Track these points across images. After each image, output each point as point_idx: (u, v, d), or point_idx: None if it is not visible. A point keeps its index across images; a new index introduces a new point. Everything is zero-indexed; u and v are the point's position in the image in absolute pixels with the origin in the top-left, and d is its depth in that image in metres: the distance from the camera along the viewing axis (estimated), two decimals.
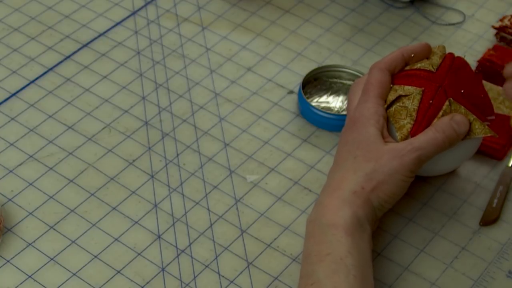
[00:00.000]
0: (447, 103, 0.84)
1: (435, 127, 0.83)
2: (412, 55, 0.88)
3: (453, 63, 0.87)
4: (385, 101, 0.86)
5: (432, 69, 0.86)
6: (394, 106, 0.86)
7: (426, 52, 0.88)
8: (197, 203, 0.91)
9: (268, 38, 1.09)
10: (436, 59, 0.87)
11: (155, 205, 0.90)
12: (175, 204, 0.91)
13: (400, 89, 0.86)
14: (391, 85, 0.87)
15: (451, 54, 0.88)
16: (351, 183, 0.82)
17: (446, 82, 0.85)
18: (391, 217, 0.89)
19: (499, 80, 0.94)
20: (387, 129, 0.85)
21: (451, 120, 0.84)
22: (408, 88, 0.86)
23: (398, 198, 0.83)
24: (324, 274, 0.76)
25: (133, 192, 0.92)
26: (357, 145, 0.84)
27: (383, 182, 0.82)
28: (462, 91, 0.85)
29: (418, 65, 0.87)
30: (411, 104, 0.85)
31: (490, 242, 0.88)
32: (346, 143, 0.85)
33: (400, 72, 0.88)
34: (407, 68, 0.88)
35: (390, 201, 0.83)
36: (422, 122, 0.84)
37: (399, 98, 0.85)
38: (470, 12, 1.13)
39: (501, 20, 1.08)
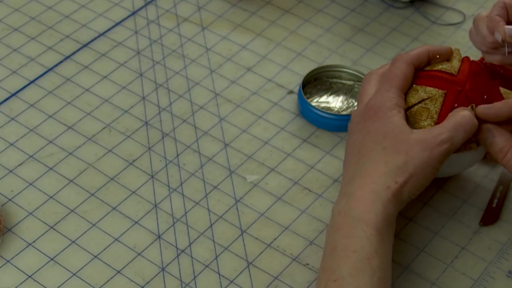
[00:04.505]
0: (469, 108, 0.84)
1: (459, 111, 0.82)
2: (438, 56, 0.87)
3: (471, 67, 0.87)
4: (405, 96, 0.85)
5: (454, 72, 0.86)
6: (415, 107, 0.85)
7: (448, 55, 0.88)
8: (197, 203, 0.91)
9: (268, 38, 1.09)
10: (456, 62, 0.87)
11: (155, 205, 0.90)
12: (175, 204, 0.91)
13: (421, 90, 0.85)
14: (413, 85, 0.86)
15: (467, 57, 0.88)
16: (384, 176, 0.80)
17: (467, 87, 0.85)
18: None
19: (499, 80, 0.94)
20: None
21: (465, 109, 0.83)
22: (430, 90, 0.85)
23: (423, 190, 0.83)
24: (349, 272, 0.76)
25: (133, 192, 0.92)
26: (383, 135, 0.82)
27: (415, 175, 0.80)
28: (485, 96, 0.85)
29: (439, 67, 0.87)
30: (433, 106, 0.84)
31: (490, 242, 0.88)
32: (369, 133, 0.83)
33: (421, 72, 0.87)
34: (428, 68, 0.87)
35: (416, 193, 0.82)
36: None
37: (421, 100, 0.85)
38: (470, 12, 1.13)
39: None
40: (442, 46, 0.88)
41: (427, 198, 0.92)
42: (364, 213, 0.79)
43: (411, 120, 0.85)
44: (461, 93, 0.85)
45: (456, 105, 0.84)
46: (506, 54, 0.85)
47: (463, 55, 0.89)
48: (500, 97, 0.86)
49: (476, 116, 0.83)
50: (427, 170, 0.81)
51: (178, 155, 0.95)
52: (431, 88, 0.85)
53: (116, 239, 0.88)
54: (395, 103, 0.83)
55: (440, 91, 0.85)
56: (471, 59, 0.89)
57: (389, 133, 0.82)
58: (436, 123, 0.84)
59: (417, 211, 0.91)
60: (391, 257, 0.79)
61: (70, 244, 0.87)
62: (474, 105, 0.84)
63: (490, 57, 0.88)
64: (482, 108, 0.83)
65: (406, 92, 0.86)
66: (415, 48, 0.88)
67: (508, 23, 0.86)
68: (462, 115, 0.82)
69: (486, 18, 0.87)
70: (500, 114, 0.82)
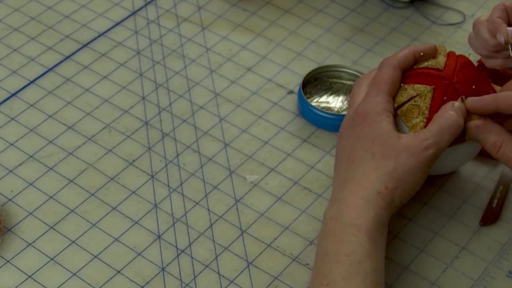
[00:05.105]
0: (459, 100, 0.84)
1: (446, 112, 0.83)
2: (422, 54, 0.88)
3: (458, 61, 0.87)
4: (394, 99, 0.86)
5: (440, 67, 0.86)
6: (406, 105, 0.85)
7: (433, 53, 0.88)
8: (197, 203, 0.91)
9: (268, 38, 1.09)
10: (441, 58, 0.88)
11: (155, 205, 0.90)
12: (175, 204, 0.91)
13: (410, 88, 0.86)
14: (401, 84, 0.87)
15: (453, 52, 0.89)
16: (375, 182, 0.81)
17: (455, 79, 0.86)
18: (391, 217, 0.89)
19: (499, 80, 0.94)
20: (396, 127, 0.85)
21: (453, 105, 0.83)
22: (419, 87, 0.86)
23: (414, 194, 0.83)
24: (341, 276, 0.76)
25: (133, 192, 0.92)
26: (372, 141, 0.83)
27: (405, 181, 0.81)
28: (473, 86, 0.86)
29: (425, 64, 0.87)
30: (423, 102, 0.85)
31: (490, 242, 0.88)
32: (359, 139, 0.84)
33: (408, 71, 0.88)
34: (414, 67, 0.88)
35: (408, 198, 0.82)
36: None
37: (410, 98, 0.85)
38: (470, 12, 1.13)
39: None
40: (427, 44, 0.89)
41: (427, 198, 0.92)
42: (356, 218, 0.79)
43: (402, 119, 0.85)
44: (449, 86, 0.85)
45: (445, 98, 0.84)
46: (511, 55, 0.85)
47: (463, 56, 0.89)
48: (489, 86, 0.87)
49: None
50: (416, 175, 0.82)
51: (178, 155, 0.95)
52: (419, 85, 0.86)
53: (116, 239, 0.88)
54: (383, 108, 0.84)
55: (428, 87, 0.85)
56: (472, 58, 0.89)
57: (378, 138, 0.83)
58: (428, 118, 0.84)
59: (417, 211, 0.91)
60: (384, 261, 0.79)
61: (70, 244, 0.87)
62: (464, 96, 0.84)
63: (491, 61, 0.88)
64: (471, 101, 0.84)
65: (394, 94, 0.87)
66: (400, 50, 0.88)
67: (509, 25, 0.86)
68: (446, 118, 0.83)
69: (486, 22, 0.87)
70: (487, 108, 0.83)
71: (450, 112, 0.83)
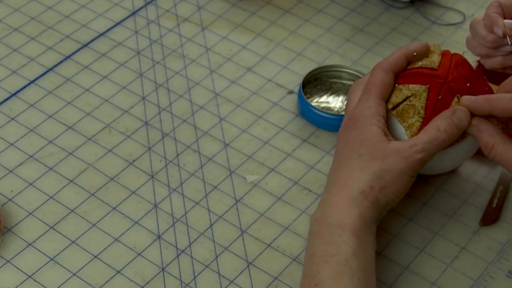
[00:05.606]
0: (456, 99, 0.84)
1: (437, 125, 0.83)
2: (415, 54, 0.88)
3: (452, 59, 0.87)
4: (387, 102, 0.86)
5: (434, 66, 0.87)
6: (401, 106, 0.85)
7: (426, 52, 0.89)
8: (197, 203, 0.91)
9: (268, 38, 1.09)
10: (435, 57, 0.88)
11: (155, 205, 0.91)
12: (175, 204, 0.91)
13: (405, 88, 0.86)
14: (395, 85, 0.87)
15: (447, 51, 0.89)
16: (359, 182, 0.81)
17: (450, 78, 0.86)
18: (391, 217, 0.89)
19: (499, 80, 0.94)
20: (389, 129, 0.85)
21: (453, 115, 0.83)
22: (413, 86, 0.86)
23: (402, 197, 0.83)
24: (329, 275, 0.76)
25: (133, 192, 0.92)
26: (360, 143, 0.83)
27: (391, 182, 0.81)
28: (468, 84, 0.86)
29: (419, 64, 0.87)
30: (418, 101, 0.85)
31: (490, 242, 0.88)
32: (348, 142, 0.84)
33: (402, 72, 0.88)
34: (408, 67, 0.88)
35: (396, 200, 0.83)
36: (431, 119, 0.84)
37: (405, 98, 0.86)
38: (470, 12, 1.13)
39: None
40: (417, 44, 0.89)
41: (427, 198, 0.92)
42: (340, 218, 0.80)
43: (398, 119, 0.85)
44: (444, 85, 0.85)
45: (440, 97, 0.85)
46: (510, 44, 0.85)
47: (458, 54, 0.89)
48: (484, 83, 0.87)
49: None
50: (403, 178, 0.82)
51: (178, 155, 0.95)
52: (414, 85, 0.86)
53: (116, 239, 0.88)
54: (374, 112, 0.84)
55: (423, 86, 0.85)
56: (472, 59, 0.89)
57: (366, 141, 0.83)
58: (424, 118, 0.84)
59: (417, 211, 0.91)
60: (373, 260, 0.79)
61: (70, 244, 0.87)
62: (459, 95, 0.84)
63: (490, 61, 0.88)
64: (465, 100, 0.84)
65: (388, 97, 0.87)
66: (391, 54, 0.89)
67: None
68: (436, 129, 0.83)
69: (482, 20, 0.88)
70: (480, 110, 0.83)
71: (442, 126, 0.83)
